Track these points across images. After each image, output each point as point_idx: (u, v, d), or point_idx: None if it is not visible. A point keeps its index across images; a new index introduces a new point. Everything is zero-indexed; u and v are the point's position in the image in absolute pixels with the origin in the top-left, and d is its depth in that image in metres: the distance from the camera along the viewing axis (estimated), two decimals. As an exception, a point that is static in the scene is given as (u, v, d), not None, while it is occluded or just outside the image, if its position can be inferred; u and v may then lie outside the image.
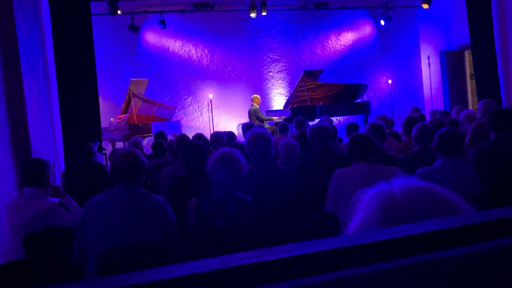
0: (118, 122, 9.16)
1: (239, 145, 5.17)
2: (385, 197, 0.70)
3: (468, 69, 11.43)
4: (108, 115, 9.67)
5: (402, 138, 5.97)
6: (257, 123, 9.44)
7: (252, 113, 9.99)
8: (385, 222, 0.67)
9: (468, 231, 0.46)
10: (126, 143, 8.67)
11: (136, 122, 9.20)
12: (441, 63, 11.51)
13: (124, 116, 9.20)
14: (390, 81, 11.92)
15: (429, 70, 12.16)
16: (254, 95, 10.41)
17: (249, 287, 0.38)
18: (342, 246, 0.43)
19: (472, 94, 11.43)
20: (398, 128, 7.19)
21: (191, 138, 5.07)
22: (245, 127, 6.56)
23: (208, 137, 6.25)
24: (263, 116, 10.01)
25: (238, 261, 0.38)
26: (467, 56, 11.33)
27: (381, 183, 0.74)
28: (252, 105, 10.17)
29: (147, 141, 9.28)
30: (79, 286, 0.37)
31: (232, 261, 0.38)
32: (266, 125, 9.67)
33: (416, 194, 0.69)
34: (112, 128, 9.11)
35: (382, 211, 0.68)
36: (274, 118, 10.06)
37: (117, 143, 9.08)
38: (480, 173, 3.13)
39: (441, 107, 10.90)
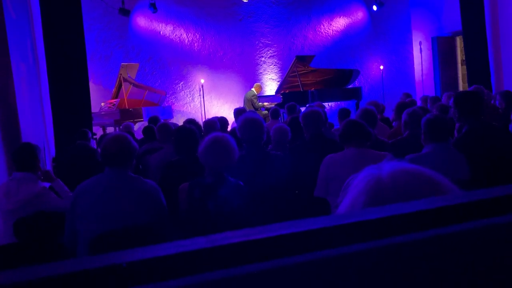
0: (109, 107, 9.10)
1: (231, 131, 5.16)
2: (371, 179, 0.71)
3: (460, 55, 11.46)
4: (99, 100, 9.59)
5: (393, 123, 6.01)
6: (250, 108, 9.43)
7: (248, 98, 9.95)
8: (370, 203, 0.68)
9: (453, 211, 0.46)
10: (117, 128, 8.62)
11: (127, 107, 9.14)
12: (433, 49, 11.53)
13: (115, 101, 9.13)
14: (381, 67, 11.92)
15: (420, 56, 12.17)
16: (258, 83, 10.46)
17: (236, 265, 0.39)
18: (327, 226, 0.43)
19: (463, 80, 11.49)
20: (390, 114, 7.22)
21: (182, 123, 5.04)
22: (237, 112, 6.54)
23: (200, 122, 6.23)
24: (258, 103, 10.00)
25: (225, 240, 0.39)
26: (459, 42, 11.34)
27: (370, 166, 0.75)
28: (250, 89, 10.14)
29: (138, 126, 9.23)
30: (66, 264, 0.38)
31: (219, 240, 0.39)
32: (260, 112, 9.66)
33: (402, 175, 0.70)
34: (102, 113, 9.05)
35: (368, 193, 0.69)
36: (265, 104, 10.05)
37: (107, 128, 9.03)
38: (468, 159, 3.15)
39: (432, 93, 10.95)
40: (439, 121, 3.01)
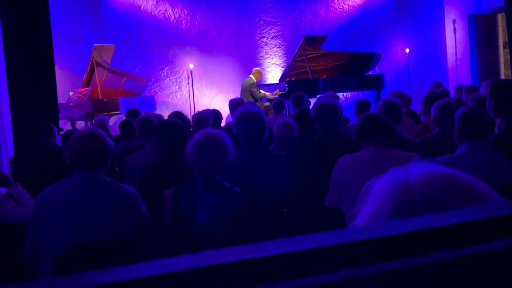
0: (79, 97, 9.10)
1: (226, 126, 5.16)
2: (398, 184, 0.70)
3: (501, 36, 11.47)
4: (67, 89, 9.59)
5: (421, 118, 6.01)
6: (248, 99, 9.43)
7: (246, 87, 9.93)
8: (397, 213, 0.68)
9: (497, 224, 0.46)
10: (88, 123, 8.63)
11: (100, 97, 9.14)
12: (469, 28, 11.54)
13: (86, 90, 9.14)
14: (407, 50, 11.93)
15: (454, 37, 12.19)
16: (257, 68, 10.41)
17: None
18: (345, 242, 0.43)
19: (505, 66, 11.50)
20: (417, 107, 7.22)
21: (167, 117, 5.04)
22: (233, 103, 6.54)
23: (188, 115, 6.23)
24: (258, 93, 9.95)
25: (219, 259, 0.38)
26: (501, 20, 11.35)
27: (395, 168, 0.75)
28: (249, 76, 10.12)
29: (114, 120, 9.24)
30: (26, 286, 0.37)
31: (211, 258, 0.38)
32: (260, 103, 9.65)
33: (435, 180, 0.70)
34: (71, 104, 9.06)
35: (393, 200, 0.69)
36: (267, 94, 10.05)
37: (77, 122, 9.04)
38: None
39: (468, 82, 10.96)
40: (477, 116, 3.00)
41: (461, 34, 12.00)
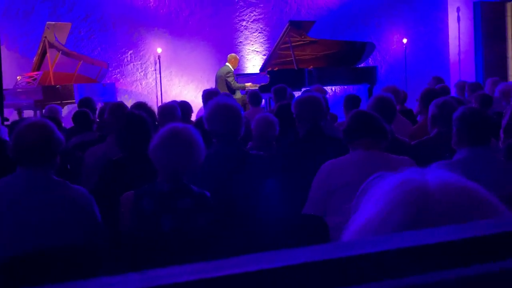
0: (28, 82, 9.00)
1: (197, 121, 5.14)
2: (415, 189, 0.70)
3: (510, 27, 11.64)
4: (14, 72, 9.47)
5: (418, 118, 6.07)
6: (224, 90, 9.40)
7: (221, 76, 9.89)
8: (411, 222, 0.67)
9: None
10: (38, 112, 8.53)
11: (52, 83, 9.06)
12: (475, 18, 11.69)
13: (36, 74, 9.04)
14: (405, 41, 12.04)
15: (458, 27, 12.34)
16: (233, 54, 10.35)
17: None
18: (343, 256, 0.42)
19: (513, 61, 11.67)
20: (413, 105, 7.29)
21: (129, 108, 5.01)
22: (206, 95, 6.53)
23: (154, 107, 6.19)
24: (236, 83, 9.91)
25: (171, 278, 0.37)
26: (510, 10, 11.53)
27: (409, 170, 0.74)
28: (225, 64, 10.09)
29: (67, 110, 9.14)
30: None
31: (162, 277, 0.37)
32: (238, 96, 9.64)
33: (457, 190, 0.70)
34: (19, 90, 8.96)
35: (409, 207, 0.68)
36: (247, 85, 10.04)
37: (25, 111, 8.95)
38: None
39: (472, 78, 11.11)
40: (478, 117, 3.02)
41: (466, 24, 12.15)
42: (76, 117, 5.50)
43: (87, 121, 5.32)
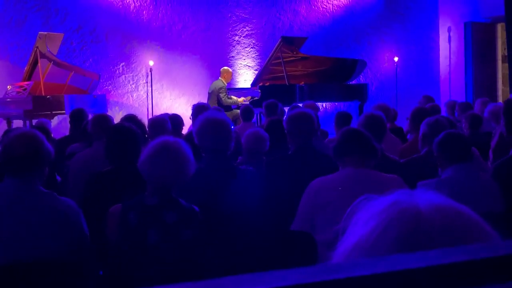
0: (18, 92, 8.96)
1: (187, 134, 5.13)
2: (406, 209, 0.70)
3: (500, 48, 11.75)
4: (4, 81, 9.44)
5: (408, 136, 6.09)
6: (215, 105, 9.39)
7: (214, 91, 9.85)
8: (402, 244, 0.67)
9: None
10: (27, 123, 8.48)
11: (43, 93, 9.01)
12: (466, 38, 11.79)
13: (27, 84, 9.00)
14: (396, 59, 12.13)
15: (449, 46, 12.44)
16: (225, 68, 10.32)
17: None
18: (332, 279, 0.41)
19: (503, 81, 11.78)
20: (404, 123, 7.32)
21: (119, 120, 5.00)
22: (197, 109, 6.52)
23: (144, 120, 6.17)
24: (227, 99, 9.84)
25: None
26: (500, 30, 11.65)
27: (399, 191, 0.74)
28: (218, 79, 10.07)
29: (57, 121, 9.09)
30: None
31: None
32: (228, 112, 9.60)
33: (448, 213, 0.70)
34: (8, 99, 8.91)
35: (401, 229, 0.68)
36: (239, 100, 10.04)
37: (14, 120, 8.90)
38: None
39: (461, 98, 11.19)
40: (454, 138, 3.16)
41: (456, 44, 12.25)
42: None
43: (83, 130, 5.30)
